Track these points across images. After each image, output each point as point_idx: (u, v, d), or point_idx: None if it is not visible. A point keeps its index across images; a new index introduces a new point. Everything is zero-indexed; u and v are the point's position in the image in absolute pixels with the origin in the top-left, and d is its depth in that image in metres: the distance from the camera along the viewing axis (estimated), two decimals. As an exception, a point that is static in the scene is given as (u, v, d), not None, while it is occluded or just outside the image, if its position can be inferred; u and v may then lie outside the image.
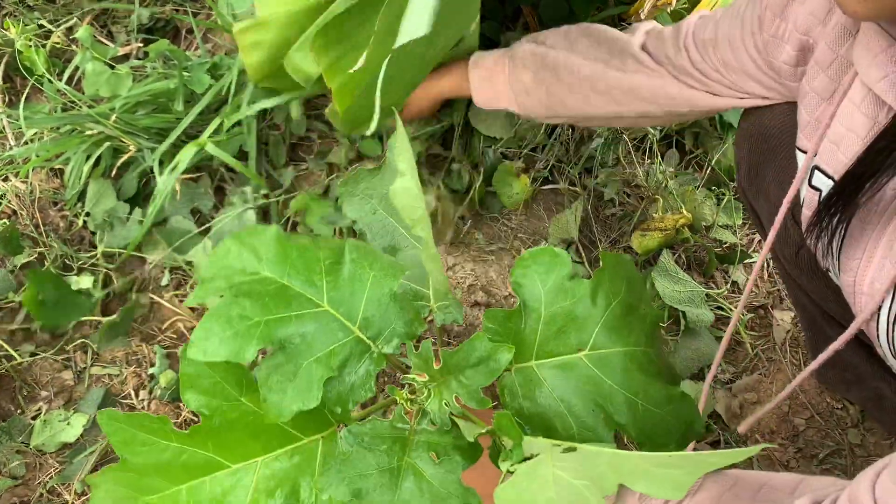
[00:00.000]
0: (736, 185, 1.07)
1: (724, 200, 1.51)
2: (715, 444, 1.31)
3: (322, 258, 0.79)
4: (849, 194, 0.73)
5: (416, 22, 0.83)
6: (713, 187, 1.54)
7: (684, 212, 1.41)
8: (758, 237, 1.54)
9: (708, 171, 1.54)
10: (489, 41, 1.62)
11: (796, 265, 1.02)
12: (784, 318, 1.44)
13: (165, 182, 1.36)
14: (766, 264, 1.51)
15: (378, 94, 1.01)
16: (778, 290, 1.48)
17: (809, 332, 1.21)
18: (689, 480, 0.65)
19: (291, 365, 0.75)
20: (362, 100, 1.15)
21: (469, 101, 1.57)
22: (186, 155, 1.31)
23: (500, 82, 1.19)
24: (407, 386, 0.78)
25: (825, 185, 0.80)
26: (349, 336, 0.78)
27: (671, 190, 1.47)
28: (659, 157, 1.50)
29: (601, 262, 0.84)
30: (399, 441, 0.76)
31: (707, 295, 1.43)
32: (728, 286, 1.46)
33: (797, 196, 0.87)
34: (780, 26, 0.84)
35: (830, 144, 0.78)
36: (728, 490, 0.69)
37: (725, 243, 1.51)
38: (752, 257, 1.50)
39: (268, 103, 1.44)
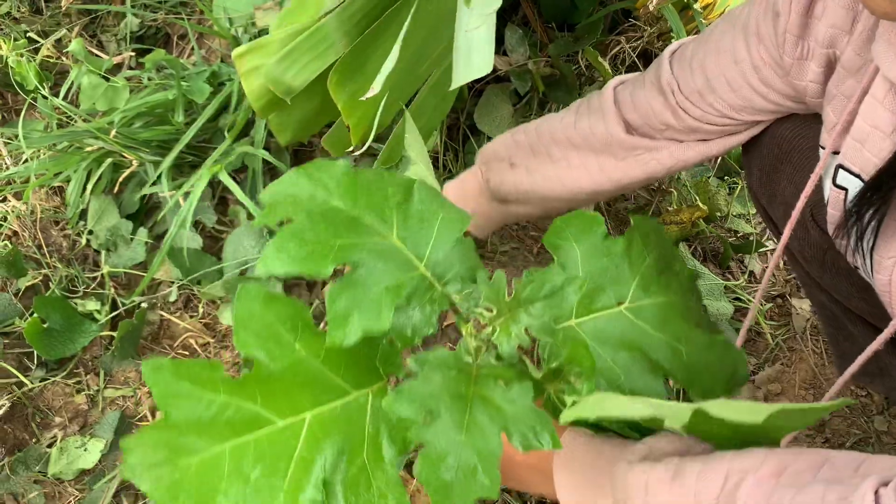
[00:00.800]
0: (747, 190, 1.05)
1: (738, 189, 1.49)
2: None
3: (391, 194, 0.80)
4: (884, 191, 0.71)
5: (478, 60, 0.80)
6: (725, 177, 1.53)
7: (700, 204, 1.40)
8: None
9: (719, 161, 1.53)
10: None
11: (820, 265, 1.00)
12: (803, 306, 1.43)
13: (181, 214, 1.32)
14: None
15: (377, 118, 1.02)
16: (795, 277, 1.47)
17: (830, 329, 1.19)
18: (765, 410, 0.62)
19: (361, 290, 0.74)
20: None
21: (475, 103, 1.56)
22: (201, 183, 1.28)
23: (469, 183, 1.14)
24: (472, 320, 0.77)
25: (852, 183, 0.78)
26: (415, 272, 0.78)
27: (684, 182, 1.46)
28: (670, 149, 1.48)
29: (632, 223, 0.87)
30: (465, 372, 0.75)
31: (725, 287, 1.41)
32: (745, 276, 1.45)
33: (820, 197, 0.86)
34: (803, 47, 0.81)
35: (855, 142, 0.76)
36: (789, 466, 0.66)
37: (740, 233, 1.50)
38: (766, 245, 1.49)
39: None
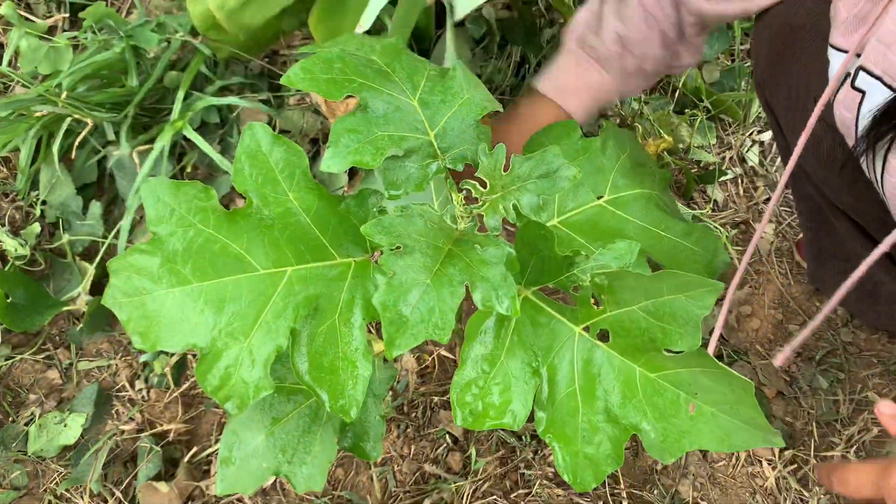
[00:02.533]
0: (754, 81, 1.05)
1: (698, 122, 1.52)
2: (719, 359, 1.34)
3: (429, 69, 0.84)
4: None
5: None
6: (684, 110, 1.55)
7: (665, 136, 1.42)
8: (730, 154, 1.56)
9: (677, 95, 1.55)
10: None
11: (815, 157, 0.98)
12: (766, 230, 1.47)
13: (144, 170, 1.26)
14: (739, 180, 1.54)
15: None
16: (757, 204, 1.51)
17: (811, 224, 1.20)
18: None
19: (366, 129, 0.77)
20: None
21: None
22: (164, 139, 1.22)
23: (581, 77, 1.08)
24: (465, 191, 0.79)
25: (872, 86, 0.77)
26: (424, 136, 0.81)
27: (647, 116, 1.48)
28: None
29: (604, 126, 0.93)
30: (445, 231, 0.77)
31: (693, 217, 1.45)
32: (710, 206, 1.48)
33: (825, 88, 0.85)
34: None
35: (880, 45, 0.75)
36: None
37: (702, 163, 1.53)
38: (727, 174, 1.52)
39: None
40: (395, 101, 0.80)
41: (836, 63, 0.82)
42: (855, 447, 1.25)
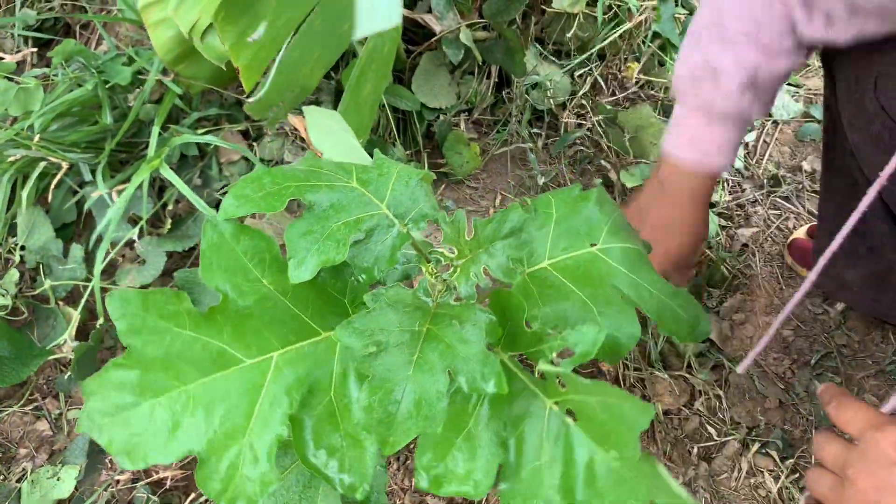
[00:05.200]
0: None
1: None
2: (717, 368, 1.34)
3: (353, 164, 0.82)
4: None
5: (384, 10, 0.76)
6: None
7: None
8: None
9: (660, 102, 1.54)
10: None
11: (859, 132, 0.98)
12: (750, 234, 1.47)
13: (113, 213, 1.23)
14: (726, 183, 1.54)
15: (275, 68, 0.99)
16: (743, 206, 1.51)
17: (840, 199, 1.15)
18: None
19: (319, 226, 0.75)
20: (276, 81, 1.07)
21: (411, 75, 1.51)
22: (140, 177, 1.19)
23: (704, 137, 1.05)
24: (434, 261, 0.78)
25: None
26: (377, 210, 0.79)
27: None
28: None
29: (598, 186, 0.94)
30: (422, 310, 0.75)
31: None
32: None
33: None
34: None
35: None
36: None
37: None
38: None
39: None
40: (337, 190, 0.78)
41: None
42: (855, 451, 1.25)
